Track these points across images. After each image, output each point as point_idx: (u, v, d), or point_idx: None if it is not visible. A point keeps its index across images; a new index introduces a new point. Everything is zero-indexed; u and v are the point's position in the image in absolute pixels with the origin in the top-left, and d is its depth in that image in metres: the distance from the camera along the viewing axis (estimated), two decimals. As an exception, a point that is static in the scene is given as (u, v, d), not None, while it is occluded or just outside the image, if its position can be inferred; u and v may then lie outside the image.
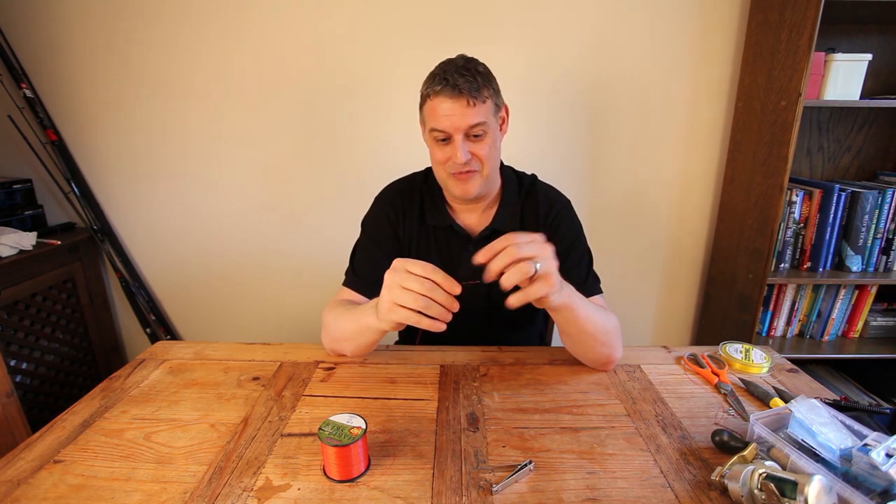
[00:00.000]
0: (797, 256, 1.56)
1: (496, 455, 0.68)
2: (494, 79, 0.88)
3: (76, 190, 1.71)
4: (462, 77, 0.82)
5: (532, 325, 1.13)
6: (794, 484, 0.53)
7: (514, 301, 0.67)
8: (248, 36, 1.61)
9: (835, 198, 1.45)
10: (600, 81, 1.64)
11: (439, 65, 0.86)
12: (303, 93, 1.66)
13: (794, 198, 1.49)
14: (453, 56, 0.89)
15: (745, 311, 1.56)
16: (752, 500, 0.56)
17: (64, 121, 1.69)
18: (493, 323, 1.03)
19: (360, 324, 0.83)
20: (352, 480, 0.63)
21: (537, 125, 1.69)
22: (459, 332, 0.85)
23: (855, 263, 1.51)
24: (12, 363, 1.51)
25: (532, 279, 0.66)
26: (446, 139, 0.86)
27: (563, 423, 0.75)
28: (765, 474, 0.56)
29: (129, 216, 1.81)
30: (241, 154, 1.73)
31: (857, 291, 1.57)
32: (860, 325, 1.61)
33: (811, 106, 1.39)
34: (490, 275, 0.66)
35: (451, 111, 0.82)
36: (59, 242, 1.61)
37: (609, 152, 1.72)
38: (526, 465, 0.64)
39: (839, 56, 1.37)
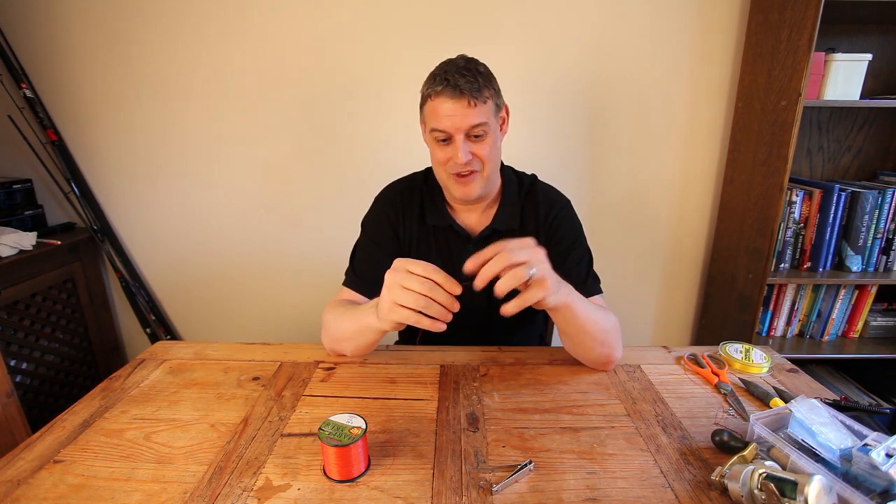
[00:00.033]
0: (797, 256, 1.56)
1: (496, 455, 0.68)
2: (495, 79, 0.88)
3: (76, 190, 1.71)
4: (463, 77, 0.82)
5: (532, 325, 1.13)
6: (794, 484, 0.53)
7: (510, 308, 0.67)
8: (248, 36, 1.61)
9: (835, 198, 1.45)
10: (600, 81, 1.64)
11: (440, 65, 0.86)
12: (303, 93, 1.66)
13: (794, 198, 1.49)
14: (453, 56, 0.89)
15: (745, 311, 1.56)
16: (752, 500, 0.56)
17: (64, 121, 1.69)
18: (493, 323, 1.03)
19: (360, 324, 0.83)
20: (352, 480, 0.63)
21: (537, 125, 1.69)
22: (459, 332, 0.85)
23: (855, 263, 1.51)
24: (12, 363, 1.51)
25: (527, 284, 0.66)
26: (447, 139, 0.86)
27: (563, 423, 0.75)
28: (765, 474, 0.56)
29: (129, 216, 1.81)
30: (241, 154, 1.73)
31: (857, 291, 1.57)
32: (860, 325, 1.61)
33: (811, 106, 1.39)
34: (481, 281, 0.66)
35: (453, 111, 0.82)
36: (59, 242, 1.61)
37: (609, 152, 1.72)
38: (526, 465, 0.64)
39: (839, 56, 1.37)
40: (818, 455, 0.60)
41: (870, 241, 1.50)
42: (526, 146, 1.69)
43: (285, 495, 0.61)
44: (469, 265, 0.67)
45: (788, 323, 1.63)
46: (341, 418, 0.65)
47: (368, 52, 1.62)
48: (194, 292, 1.90)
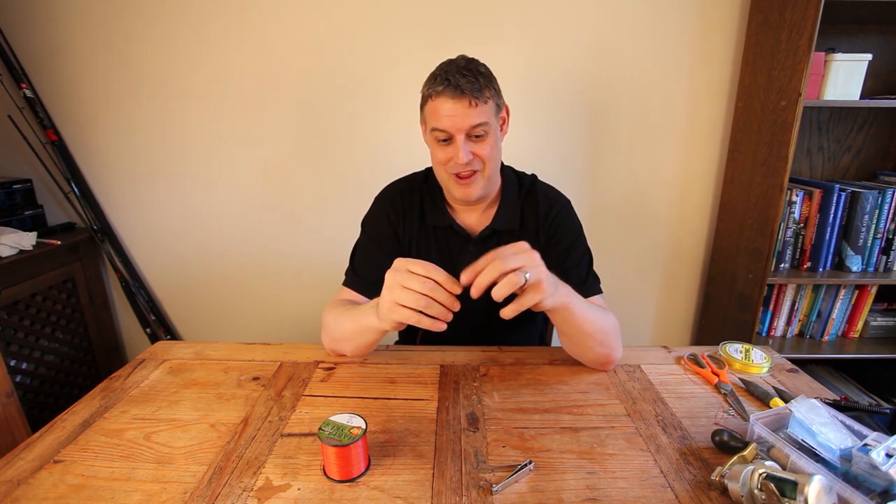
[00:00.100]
0: (797, 256, 1.56)
1: (496, 455, 0.68)
2: (495, 79, 0.88)
3: (76, 190, 1.71)
4: (464, 77, 0.82)
5: (532, 325, 1.13)
6: (794, 484, 0.53)
7: (508, 312, 0.67)
8: (248, 36, 1.61)
9: (835, 198, 1.45)
10: (600, 81, 1.64)
11: (440, 65, 0.86)
12: (303, 93, 1.66)
13: (794, 198, 1.49)
14: (453, 56, 0.89)
15: (745, 311, 1.56)
16: (752, 500, 0.56)
17: (64, 121, 1.69)
18: (493, 323, 1.02)
19: (360, 324, 0.83)
20: (352, 480, 0.63)
21: (537, 125, 1.69)
22: (459, 332, 0.85)
23: (855, 263, 1.51)
24: (12, 363, 1.51)
25: (523, 288, 0.66)
26: (448, 139, 0.86)
27: (563, 423, 0.75)
28: (765, 474, 0.56)
29: (129, 216, 1.81)
30: (241, 154, 1.73)
31: (857, 291, 1.57)
32: (860, 325, 1.61)
33: (811, 106, 1.39)
34: (477, 290, 0.66)
35: (453, 111, 0.82)
36: (59, 242, 1.61)
37: (609, 152, 1.72)
38: (526, 465, 0.64)
39: (839, 56, 1.37)
40: (818, 455, 0.60)
41: (870, 241, 1.50)
42: (526, 146, 1.69)
43: (285, 495, 0.61)
44: (464, 278, 0.67)
45: (788, 323, 1.63)
46: (341, 418, 0.65)
47: (368, 53, 1.62)
48: (194, 292, 1.90)
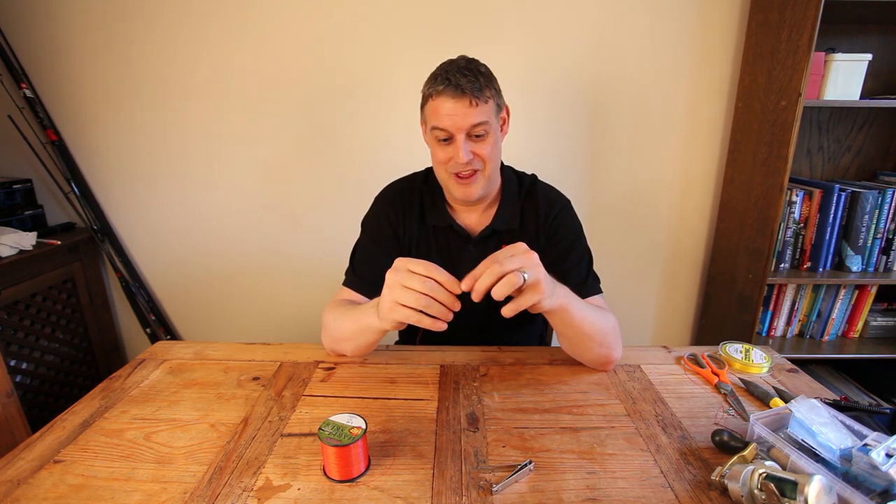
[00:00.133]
0: (797, 256, 1.56)
1: (496, 455, 0.68)
2: (496, 79, 0.89)
3: (76, 190, 1.71)
4: (464, 77, 0.82)
5: (532, 325, 1.13)
6: (794, 484, 0.53)
7: (507, 311, 0.67)
8: (248, 36, 1.61)
9: (835, 198, 1.45)
10: (600, 81, 1.64)
11: (441, 65, 0.86)
12: (303, 93, 1.66)
13: (794, 198, 1.49)
14: (453, 56, 0.89)
15: (745, 311, 1.56)
16: (752, 500, 0.56)
17: (64, 121, 1.69)
18: (493, 323, 1.02)
19: (360, 323, 0.83)
20: (352, 480, 0.63)
21: (537, 125, 1.69)
22: (460, 332, 0.85)
23: (855, 263, 1.51)
24: (12, 363, 1.51)
25: (521, 289, 0.66)
26: (448, 139, 0.86)
27: (563, 423, 0.75)
28: (765, 474, 0.56)
29: (129, 216, 1.81)
30: (241, 154, 1.73)
31: (857, 291, 1.57)
32: (860, 325, 1.61)
33: (811, 106, 1.39)
34: (478, 295, 0.66)
35: (454, 111, 0.83)
36: (59, 242, 1.61)
37: (609, 152, 1.72)
38: (526, 465, 0.64)
39: (839, 56, 1.37)
40: (818, 455, 0.60)
41: (870, 241, 1.50)
42: (526, 146, 1.69)
43: (285, 495, 0.61)
44: (465, 285, 0.67)
45: (788, 323, 1.63)
46: (341, 418, 0.65)
47: (368, 53, 1.62)
48: (194, 292, 1.90)
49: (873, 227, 1.48)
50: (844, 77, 1.38)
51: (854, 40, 1.55)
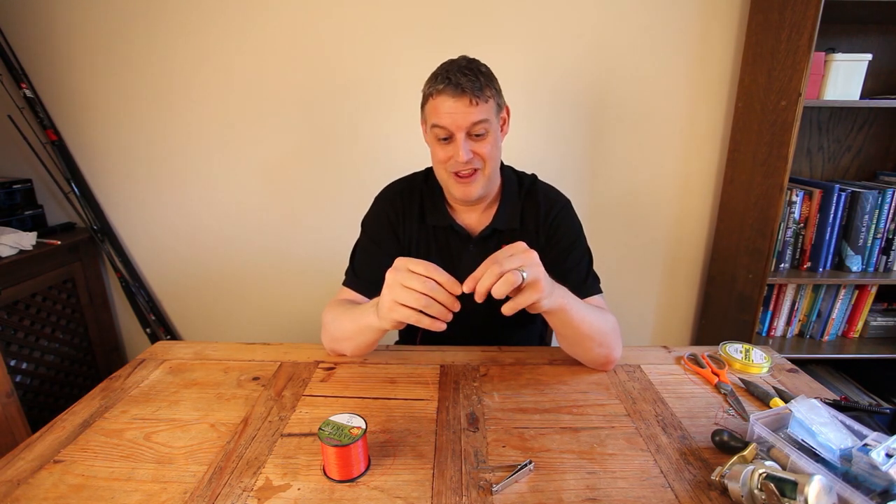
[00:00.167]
0: (797, 256, 1.56)
1: (496, 455, 0.68)
2: (496, 80, 0.89)
3: (76, 190, 1.71)
4: (465, 76, 0.82)
5: (532, 325, 1.13)
6: (794, 484, 0.53)
7: (506, 309, 0.68)
8: (249, 36, 1.61)
9: (835, 198, 1.45)
10: (600, 81, 1.64)
11: (442, 65, 0.87)
12: (303, 93, 1.66)
13: (794, 198, 1.49)
14: (454, 56, 0.89)
15: (745, 311, 1.56)
16: (752, 500, 0.56)
17: (64, 121, 1.69)
18: (493, 323, 1.02)
19: (359, 323, 0.83)
20: (352, 480, 0.63)
21: (537, 125, 1.69)
22: (460, 332, 0.85)
23: (855, 263, 1.51)
24: (12, 363, 1.51)
25: (520, 288, 0.67)
26: (448, 138, 0.86)
27: (563, 423, 0.75)
28: (765, 474, 0.56)
29: (129, 216, 1.81)
30: (242, 154, 1.73)
31: (857, 291, 1.57)
32: (860, 325, 1.61)
33: (811, 106, 1.39)
34: (479, 296, 0.66)
35: (454, 109, 0.83)
36: (59, 242, 1.61)
37: (609, 152, 1.72)
38: (526, 465, 0.64)
39: (839, 56, 1.37)
40: (818, 455, 0.60)
41: (870, 241, 1.50)
42: (526, 146, 1.69)
43: (285, 495, 0.61)
44: (466, 287, 0.67)
45: (788, 323, 1.63)
46: (341, 418, 0.65)
47: (369, 52, 1.62)
48: (194, 292, 1.90)
49: (873, 227, 1.48)
50: (844, 77, 1.38)
51: (854, 40, 1.55)
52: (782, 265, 1.56)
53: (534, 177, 1.03)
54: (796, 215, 1.51)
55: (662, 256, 1.84)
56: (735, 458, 0.62)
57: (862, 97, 1.41)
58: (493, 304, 0.70)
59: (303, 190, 1.77)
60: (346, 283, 0.99)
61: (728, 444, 0.67)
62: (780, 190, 1.40)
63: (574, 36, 1.60)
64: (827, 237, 1.49)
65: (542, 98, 1.66)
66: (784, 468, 0.60)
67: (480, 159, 0.87)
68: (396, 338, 1.19)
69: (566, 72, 1.63)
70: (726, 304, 1.68)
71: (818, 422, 0.64)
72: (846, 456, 0.59)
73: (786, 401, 0.77)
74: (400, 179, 1.05)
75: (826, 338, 1.61)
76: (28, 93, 1.60)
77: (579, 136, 1.70)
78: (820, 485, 0.52)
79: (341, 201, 1.77)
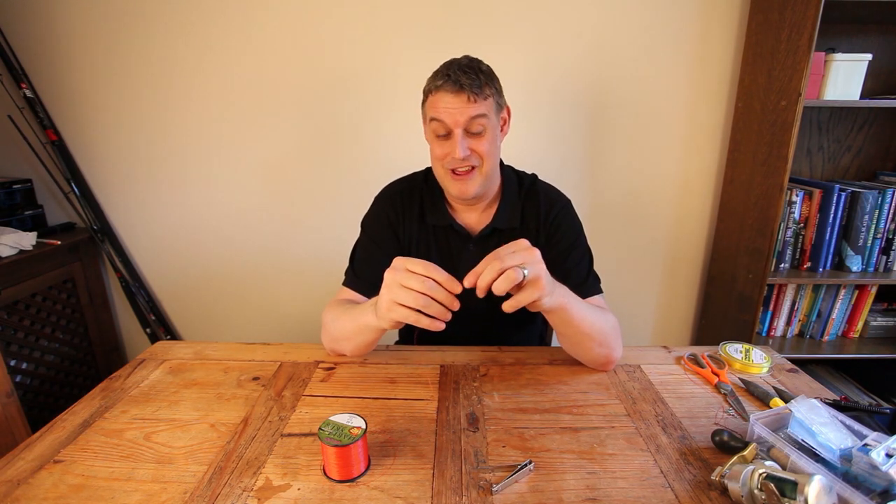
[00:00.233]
0: (797, 256, 1.56)
1: (496, 455, 0.68)
2: (497, 79, 0.89)
3: (76, 190, 1.71)
4: (465, 74, 0.82)
5: (532, 325, 1.13)
6: (794, 484, 0.53)
7: (507, 307, 0.67)
8: (249, 36, 1.61)
9: (835, 198, 1.45)
10: (600, 82, 1.64)
11: (443, 63, 0.87)
12: (303, 93, 1.66)
13: (794, 198, 1.49)
14: (454, 56, 0.89)
15: (745, 311, 1.56)
16: (752, 500, 0.56)
17: (64, 121, 1.69)
18: (493, 323, 1.03)
19: (358, 323, 0.83)
20: (352, 480, 0.63)
21: (537, 125, 1.69)
22: (460, 331, 0.85)
23: (855, 263, 1.51)
24: (12, 363, 1.51)
25: (521, 285, 0.67)
26: (446, 135, 0.86)
27: (563, 423, 0.75)
28: (765, 474, 0.56)
29: (129, 216, 1.81)
30: (241, 154, 1.73)
31: (857, 291, 1.57)
32: (860, 325, 1.61)
33: (811, 106, 1.39)
34: (481, 291, 0.66)
35: (452, 105, 0.83)
36: (59, 242, 1.61)
37: (609, 152, 1.72)
38: (526, 465, 0.64)
39: (839, 56, 1.37)
40: (818, 455, 0.60)
41: (870, 241, 1.50)
42: (526, 146, 1.69)
43: (285, 495, 0.61)
44: (466, 282, 0.67)
45: (788, 323, 1.63)
46: (341, 418, 0.65)
47: (369, 52, 1.62)
48: (194, 292, 1.90)
49: (873, 227, 1.48)
50: (844, 77, 1.38)
51: (854, 40, 1.55)
52: (782, 265, 1.56)
53: (534, 176, 1.03)
54: (796, 215, 1.51)
55: (662, 256, 1.84)
56: (735, 458, 0.62)
57: (862, 97, 1.41)
58: (493, 303, 0.70)
59: (303, 190, 1.77)
60: (345, 283, 0.99)
61: (728, 444, 0.67)
62: (780, 190, 1.40)
63: (574, 36, 1.60)
64: (827, 237, 1.49)
65: (542, 98, 1.66)
66: (784, 468, 0.60)
67: (478, 157, 0.87)
68: (396, 338, 1.19)
69: (566, 72, 1.63)
70: (726, 304, 1.68)
71: (818, 422, 0.64)
72: (846, 456, 0.59)
73: (786, 401, 0.77)
74: (400, 179, 1.05)
75: (826, 338, 1.61)
76: (28, 93, 1.60)
77: (579, 136, 1.70)
78: (820, 485, 0.52)
79: (341, 201, 1.77)
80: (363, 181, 1.72)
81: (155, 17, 1.59)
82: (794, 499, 0.52)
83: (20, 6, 1.59)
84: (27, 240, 1.54)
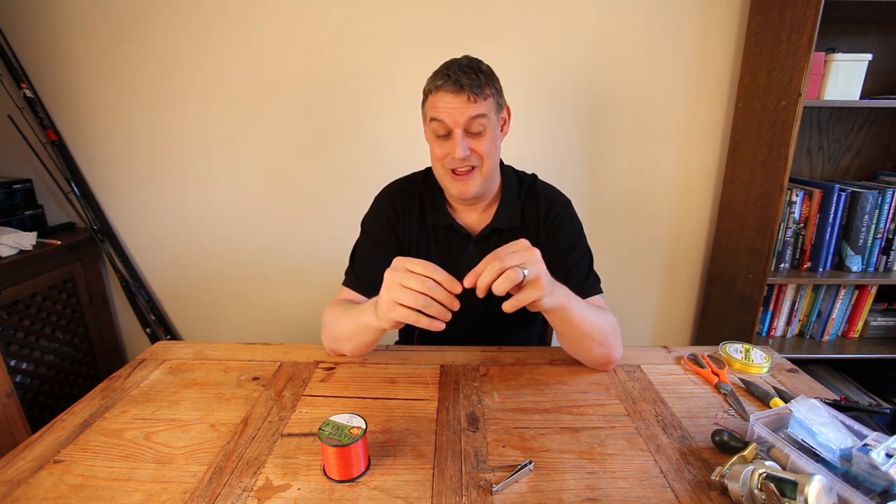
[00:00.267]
0: (797, 256, 1.56)
1: (496, 455, 0.68)
2: (497, 79, 0.89)
3: (76, 190, 1.71)
4: (465, 74, 0.82)
5: (532, 325, 1.13)
6: (794, 484, 0.53)
7: (507, 307, 0.67)
8: (249, 36, 1.61)
9: (835, 198, 1.45)
10: (600, 82, 1.64)
11: (443, 63, 0.87)
12: (303, 93, 1.66)
13: (794, 198, 1.49)
14: (454, 56, 0.89)
15: (745, 311, 1.56)
16: (752, 500, 0.56)
17: (64, 121, 1.69)
18: (493, 323, 1.03)
19: (358, 323, 0.83)
20: (352, 480, 0.63)
21: (537, 125, 1.69)
22: (459, 331, 0.85)
23: (855, 263, 1.51)
24: (12, 363, 1.51)
25: (521, 285, 0.67)
26: (446, 134, 0.86)
27: (563, 423, 0.75)
28: (765, 474, 0.56)
29: (129, 216, 1.81)
30: (242, 154, 1.73)
31: (857, 291, 1.57)
32: (860, 325, 1.61)
33: (811, 106, 1.39)
34: (480, 291, 0.66)
35: (452, 105, 0.83)
36: (59, 242, 1.61)
37: (609, 152, 1.72)
38: (526, 465, 0.64)
39: (839, 56, 1.37)
40: (818, 455, 0.60)
41: (870, 241, 1.50)
42: (526, 146, 1.69)
43: (285, 495, 0.61)
44: (466, 282, 0.67)
45: (788, 323, 1.63)
46: (341, 418, 0.65)
47: (369, 52, 1.62)
48: (194, 292, 1.90)
49: (873, 227, 1.48)
50: (844, 77, 1.38)
51: (854, 40, 1.55)
52: (782, 265, 1.56)
53: (534, 176, 1.03)
54: (796, 215, 1.51)
55: (662, 256, 1.84)
56: (735, 458, 0.62)
57: (862, 97, 1.41)
58: (493, 303, 0.70)
59: (303, 190, 1.77)
60: (345, 283, 0.99)
61: (728, 444, 0.67)
62: (780, 190, 1.40)
63: (574, 36, 1.60)
64: (827, 237, 1.49)
65: (542, 98, 1.66)
66: (784, 468, 0.60)
67: (478, 157, 0.87)
68: (396, 338, 1.19)
69: (566, 72, 1.63)
70: (726, 304, 1.68)
71: (818, 422, 0.64)
72: (846, 456, 0.59)
73: (786, 401, 0.77)
74: (400, 179, 1.05)
75: (826, 338, 1.61)
76: (28, 93, 1.60)
77: (579, 136, 1.70)
78: (820, 485, 0.52)
79: (341, 201, 1.77)
80: (363, 181, 1.72)
81: (155, 17, 1.59)
82: (794, 499, 0.52)
83: (20, 6, 1.59)
84: (27, 240, 1.54)
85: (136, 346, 1.98)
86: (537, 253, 0.69)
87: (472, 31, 1.59)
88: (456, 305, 0.68)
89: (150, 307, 1.88)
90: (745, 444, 0.65)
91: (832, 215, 1.47)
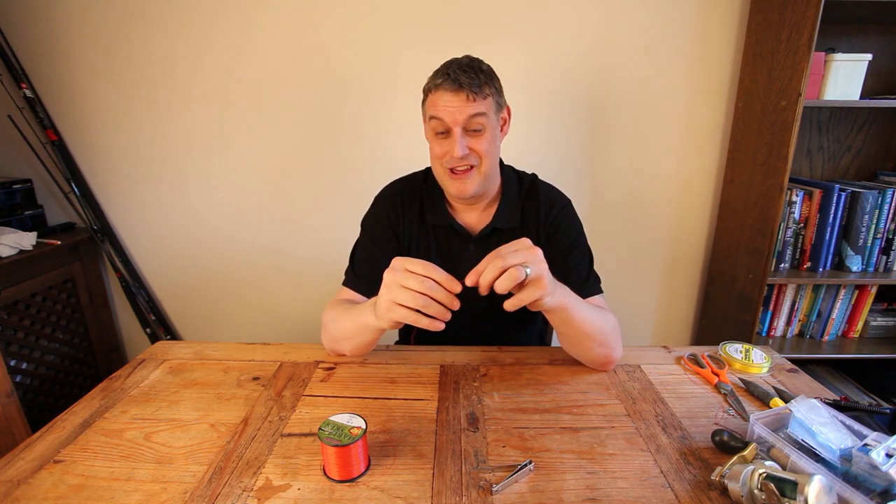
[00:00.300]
0: (797, 256, 1.56)
1: (496, 455, 0.68)
2: (497, 79, 0.89)
3: (76, 190, 1.71)
4: (465, 73, 0.82)
5: (532, 325, 1.13)
6: (794, 484, 0.53)
7: (508, 305, 0.67)
8: (249, 36, 1.61)
9: (835, 198, 1.45)
10: (600, 82, 1.64)
11: (444, 63, 0.87)
12: (303, 93, 1.66)
13: (794, 198, 1.49)
14: (454, 56, 0.89)
15: (745, 311, 1.56)
16: (752, 500, 0.56)
17: (64, 121, 1.69)
18: (493, 322, 1.03)
19: (358, 323, 0.83)
20: (352, 480, 0.63)
21: (537, 125, 1.69)
22: (459, 331, 0.85)
23: (855, 263, 1.51)
24: (12, 363, 1.51)
25: (523, 284, 0.67)
26: (445, 133, 0.86)
27: (563, 423, 0.75)
28: (765, 474, 0.56)
29: (129, 216, 1.81)
30: (242, 154, 1.73)
31: (857, 291, 1.57)
32: (860, 325, 1.61)
33: (811, 106, 1.39)
34: (482, 289, 0.66)
35: (451, 103, 0.83)
36: (59, 242, 1.61)
37: (609, 152, 1.72)
38: (526, 465, 0.64)
39: (839, 56, 1.37)
40: (818, 455, 0.60)
41: (870, 241, 1.50)
42: (526, 146, 1.69)
43: (285, 495, 0.61)
44: (468, 281, 0.67)
45: (788, 323, 1.63)
46: (341, 418, 0.65)
47: (369, 52, 1.62)
48: (194, 292, 1.90)
49: (873, 227, 1.48)
50: (844, 77, 1.38)
51: (854, 40, 1.55)
52: (782, 265, 1.56)
53: (534, 176, 1.03)
54: (796, 215, 1.51)
55: (662, 256, 1.84)
56: (735, 458, 0.62)
57: (862, 97, 1.41)
58: (493, 303, 0.70)
59: (303, 190, 1.77)
60: (345, 283, 0.99)
61: (728, 444, 0.67)
62: (780, 190, 1.40)
63: (574, 36, 1.60)
64: (827, 237, 1.49)
65: (542, 98, 1.66)
66: (784, 468, 0.60)
67: (476, 156, 0.87)
68: (396, 338, 1.19)
69: (566, 72, 1.63)
70: (726, 304, 1.68)
71: (818, 422, 0.64)
72: (846, 456, 0.59)
73: (786, 401, 0.77)
74: (400, 179, 1.05)
75: (826, 338, 1.61)
76: (28, 93, 1.60)
77: (579, 136, 1.70)
78: (820, 485, 0.52)
79: (341, 201, 1.77)
80: (363, 181, 1.72)
81: (155, 17, 1.59)
82: (794, 499, 0.52)
83: (20, 6, 1.59)
84: (27, 240, 1.54)
85: (136, 346, 1.98)
86: (539, 252, 0.69)
87: (472, 31, 1.59)
88: (456, 305, 0.68)
89: (150, 307, 1.88)
90: (745, 444, 0.65)
91: (832, 215, 1.47)
